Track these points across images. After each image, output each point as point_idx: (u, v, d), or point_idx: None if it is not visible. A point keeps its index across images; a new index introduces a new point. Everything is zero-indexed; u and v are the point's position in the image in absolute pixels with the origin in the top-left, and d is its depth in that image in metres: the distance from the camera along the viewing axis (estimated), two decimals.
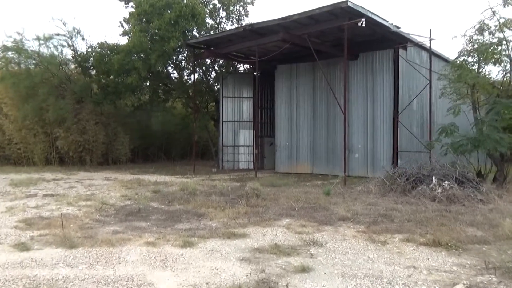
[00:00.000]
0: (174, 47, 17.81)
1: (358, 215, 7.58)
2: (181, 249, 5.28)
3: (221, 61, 22.91)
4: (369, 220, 7.27)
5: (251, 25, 15.63)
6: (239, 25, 21.02)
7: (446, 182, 9.45)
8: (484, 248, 5.44)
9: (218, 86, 23.69)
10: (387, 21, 14.83)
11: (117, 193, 10.92)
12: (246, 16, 21.90)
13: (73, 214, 7.81)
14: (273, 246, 5.45)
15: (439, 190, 9.26)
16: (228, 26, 21.77)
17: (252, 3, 21.66)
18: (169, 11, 17.91)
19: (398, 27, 15.59)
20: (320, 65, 16.02)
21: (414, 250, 5.38)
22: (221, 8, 21.32)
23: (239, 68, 23.90)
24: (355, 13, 13.36)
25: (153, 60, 18.14)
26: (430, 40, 15.58)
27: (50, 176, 16.04)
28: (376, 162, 16.91)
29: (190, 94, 22.89)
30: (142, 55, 18.65)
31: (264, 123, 22.67)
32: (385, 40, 16.48)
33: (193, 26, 18.16)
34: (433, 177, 9.77)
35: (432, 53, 16.22)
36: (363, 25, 12.98)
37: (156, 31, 18.15)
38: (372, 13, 13.86)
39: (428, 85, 15.94)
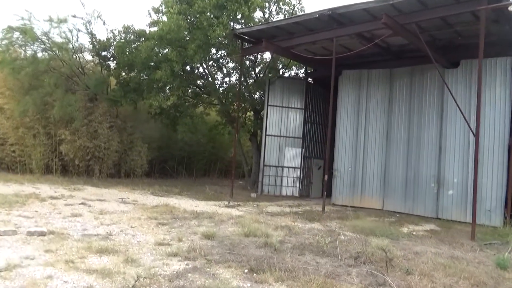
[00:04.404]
0: (220, 36, 13.86)
1: None
2: None
3: (266, 62, 19.02)
4: None
5: (331, 10, 11.72)
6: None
7: None
8: None
9: (258, 94, 19.79)
10: None
11: (148, 235, 6.78)
12: (302, 11, 18.08)
13: None
14: None
15: None
16: None
17: None
18: None
19: None
20: (439, 68, 11.93)
21: None
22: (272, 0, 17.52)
23: (284, 72, 19.96)
24: None
25: (191, 51, 14.21)
26: None
27: (48, 191, 11.95)
28: (478, 204, 12.66)
29: (223, 101, 18.90)
30: (178, 46, 14.72)
31: (312, 141, 18.63)
32: (499, 44, 12.50)
33: (245, 12, 14.24)
34: None
35: None
36: None
37: (198, 15, 14.29)
38: None
39: None
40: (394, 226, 10.22)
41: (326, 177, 12.17)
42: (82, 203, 10.08)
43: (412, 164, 14.18)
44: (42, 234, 6.26)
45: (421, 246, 7.66)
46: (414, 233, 9.62)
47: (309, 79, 18.74)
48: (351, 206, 14.89)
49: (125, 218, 8.38)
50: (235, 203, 12.88)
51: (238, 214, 10.13)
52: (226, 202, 12.71)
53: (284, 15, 18.00)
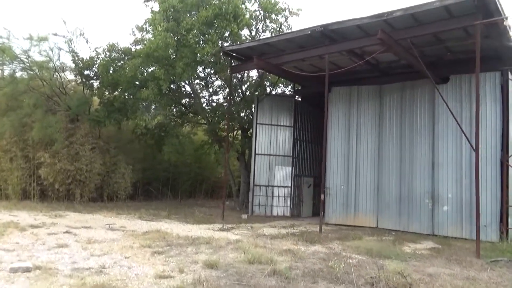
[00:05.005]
0: (210, 54, 13.56)
1: None
2: None
3: (253, 80, 18.80)
4: None
5: (323, 26, 11.62)
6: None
7: None
8: None
9: (245, 112, 19.45)
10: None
11: (145, 266, 6.21)
12: (289, 29, 18.02)
13: None
14: None
15: None
16: None
17: (297, 14, 17.85)
18: (204, 9, 13.85)
19: None
20: (434, 84, 11.90)
21: None
22: (260, 16, 17.41)
23: (272, 90, 19.76)
24: (490, 9, 9.46)
25: (179, 69, 13.83)
26: None
27: (27, 218, 11.16)
28: (474, 219, 12.52)
29: (210, 120, 18.46)
30: (165, 64, 14.31)
31: (302, 159, 18.33)
32: (489, 59, 12.59)
33: (234, 29, 14.03)
34: None
35: None
36: (509, 24, 9.06)
37: (185, 33, 13.97)
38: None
39: None
40: (396, 246, 9.92)
41: (322, 196, 11.80)
42: (66, 232, 9.38)
43: (405, 180, 14.01)
44: (27, 270, 5.62)
45: (432, 267, 7.34)
46: (417, 252, 9.31)
47: (297, 96, 18.58)
48: (345, 225, 14.60)
49: (116, 247, 7.76)
50: (228, 226, 12.34)
51: (235, 238, 9.62)
52: (219, 225, 12.17)
53: (271, 33, 17.90)
